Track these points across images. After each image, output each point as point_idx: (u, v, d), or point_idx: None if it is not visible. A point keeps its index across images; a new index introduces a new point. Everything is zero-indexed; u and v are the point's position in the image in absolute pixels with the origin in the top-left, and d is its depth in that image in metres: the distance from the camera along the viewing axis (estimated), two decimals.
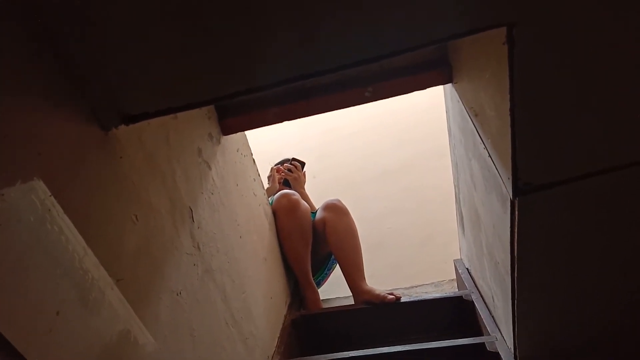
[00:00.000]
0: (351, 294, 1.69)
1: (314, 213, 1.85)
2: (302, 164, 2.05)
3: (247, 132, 1.52)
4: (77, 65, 0.65)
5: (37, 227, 0.53)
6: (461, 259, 1.73)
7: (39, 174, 0.55)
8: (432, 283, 1.89)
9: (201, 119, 1.13)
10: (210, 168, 1.12)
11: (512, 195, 0.79)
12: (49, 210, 0.54)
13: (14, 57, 0.56)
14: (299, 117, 1.22)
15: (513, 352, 1.13)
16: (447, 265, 1.86)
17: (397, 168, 2.88)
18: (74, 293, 0.56)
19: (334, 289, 1.98)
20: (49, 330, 0.51)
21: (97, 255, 0.61)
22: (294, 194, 1.74)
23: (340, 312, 1.61)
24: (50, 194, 0.55)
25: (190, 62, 0.67)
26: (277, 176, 1.98)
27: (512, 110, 0.70)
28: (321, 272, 1.92)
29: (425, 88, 1.15)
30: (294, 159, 2.05)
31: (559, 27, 0.63)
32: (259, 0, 0.61)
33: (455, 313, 1.51)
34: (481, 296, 1.44)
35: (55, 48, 0.63)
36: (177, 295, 0.82)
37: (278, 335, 1.43)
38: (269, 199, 1.75)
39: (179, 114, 0.98)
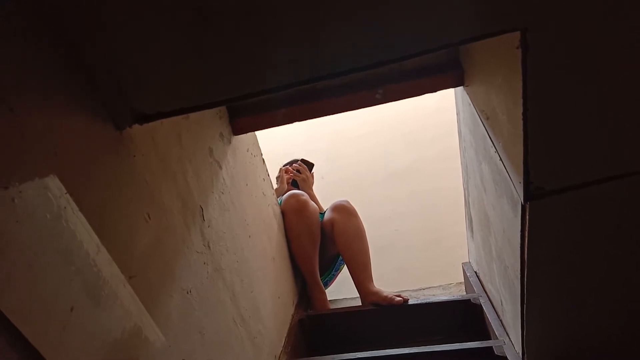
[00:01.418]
0: (358, 295, 1.69)
1: (322, 214, 1.85)
2: (311, 165, 2.05)
3: (257, 133, 1.53)
4: (92, 66, 0.66)
5: (53, 224, 0.53)
6: (469, 262, 1.73)
7: (55, 171, 0.55)
8: (440, 286, 1.89)
9: (212, 119, 1.14)
10: (221, 168, 1.12)
11: (523, 200, 0.79)
12: (64, 207, 0.55)
13: (30, 58, 0.57)
14: (309, 118, 1.22)
15: (521, 356, 1.12)
16: (454, 269, 1.85)
17: (404, 170, 2.88)
18: (87, 290, 0.57)
19: (342, 290, 1.98)
20: (63, 327, 0.52)
21: (110, 253, 0.62)
22: (302, 195, 1.75)
23: (347, 313, 1.61)
24: (65, 191, 0.56)
25: (203, 63, 0.67)
26: (285, 177, 1.99)
27: (524, 114, 0.70)
28: (329, 273, 1.92)
29: (436, 91, 1.15)
30: (302, 160, 2.05)
31: (574, 32, 0.63)
32: (269, 5, 0.61)
33: (462, 316, 1.51)
34: (489, 300, 1.43)
35: (69, 48, 0.63)
36: (187, 293, 0.83)
37: (285, 334, 1.44)
38: (278, 199, 1.75)
39: (191, 114, 0.99)
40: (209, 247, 0.96)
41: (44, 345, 0.49)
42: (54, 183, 0.55)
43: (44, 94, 0.58)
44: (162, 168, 0.82)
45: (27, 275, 0.49)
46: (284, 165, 2.08)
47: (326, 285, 1.89)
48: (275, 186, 1.97)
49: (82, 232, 0.58)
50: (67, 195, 0.56)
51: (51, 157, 0.56)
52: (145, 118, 0.73)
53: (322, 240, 1.76)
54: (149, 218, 0.74)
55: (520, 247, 0.88)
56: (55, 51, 0.61)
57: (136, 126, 0.73)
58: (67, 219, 0.55)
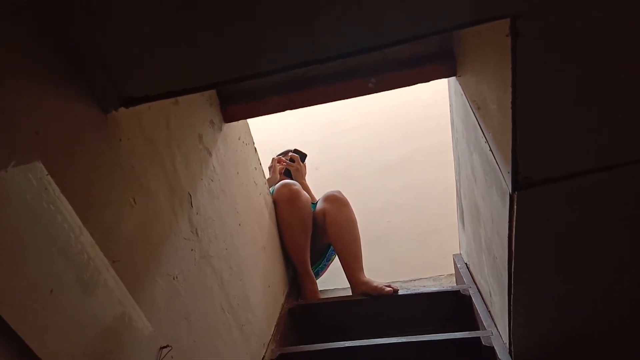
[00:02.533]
0: (349, 285, 1.70)
1: (314, 204, 1.85)
2: (304, 155, 2.05)
3: (250, 123, 1.52)
4: (78, 47, 0.65)
5: (33, 205, 0.53)
6: (460, 254, 1.73)
7: (36, 153, 0.55)
8: (431, 277, 1.90)
9: (203, 105, 1.13)
10: (210, 155, 1.12)
11: (512, 190, 0.79)
12: (45, 189, 0.55)
13: (15, 36, 0.56)
14: (302, 107, 1.21)
15: (508, 347, 1.13)
16: (446, 261, 1.86)
17: (398, 163, 2.88)
18: (69, 272, 0.56)
19: (333, 280, 1.98)
20: (42, 308, 0.52)
21: (93, 236, 0.61)
22: (295, 184, 1.74)
23: (338, 303, 1.62)
24: (47, 173, 0.55)
25: (192, 46, 0.66)
26: (278, 166, 1.98)
27: (513, 103, 0.69)
28: (320, 263, 1.92)
29: (429, 80, 1.14)
30: (295, 150, 2.05)
31: (564, 20, 0.62)
32: None
33: (452, 307, 1.51)
34: (479, 291, 1.44)
35: (55, 28, 0.62)
36: (174, 279, 0.82)
37: (275, 323, 1.44)
38: (270, 189, 1.75)
39: (180, 100, 0.98)
40: (197, 233, 0.95)
41: (23, 327, 0.49)
42: (34, 164, 0.54)
43: (27, 74, 0.57)
44: (149, 153, 0.81)
45: (6, 255, 0.48)
46: (277, 156, 2.07)
47: (317, 275, 1.89)
48: (267, 176, 1.96)
49: (64, 214, 0.57)
50: (49, 176, 0.55)
51: (33, 138, 0.55)
52: (131, 101, 0.72)
53: (313, 231, 1.76)
54: (135, 203, 0.74)
55: (508, 238, 0.88)
56: (40, 30, 0.60)
57: (122, 109, 0.72)
58: (48, 201, 0.55)
